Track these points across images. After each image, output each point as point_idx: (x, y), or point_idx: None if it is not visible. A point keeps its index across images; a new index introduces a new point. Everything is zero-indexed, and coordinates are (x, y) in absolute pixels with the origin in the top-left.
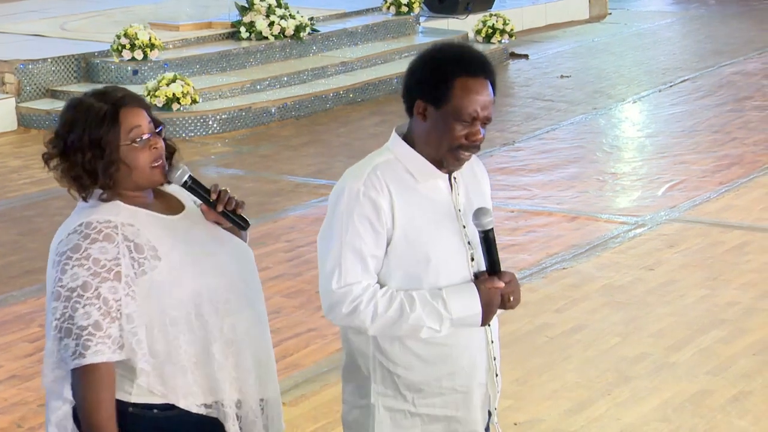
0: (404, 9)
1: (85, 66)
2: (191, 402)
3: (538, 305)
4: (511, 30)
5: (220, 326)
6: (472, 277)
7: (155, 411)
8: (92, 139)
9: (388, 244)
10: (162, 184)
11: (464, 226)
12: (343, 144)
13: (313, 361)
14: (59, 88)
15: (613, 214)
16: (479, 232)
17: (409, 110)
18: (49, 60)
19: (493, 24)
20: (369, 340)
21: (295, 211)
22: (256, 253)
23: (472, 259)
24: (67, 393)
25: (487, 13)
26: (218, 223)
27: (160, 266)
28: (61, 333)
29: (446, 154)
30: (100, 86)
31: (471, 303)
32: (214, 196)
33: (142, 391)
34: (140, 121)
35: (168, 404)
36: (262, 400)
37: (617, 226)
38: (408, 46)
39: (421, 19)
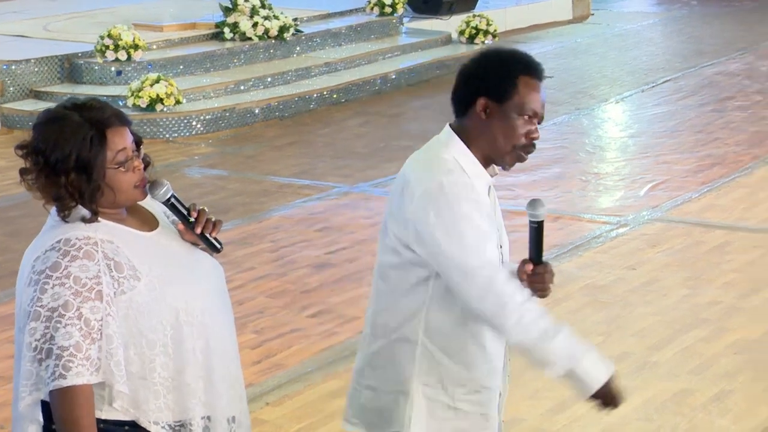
0: (388, 10)
1: (68, 67)
2: (159, 423)
3: None
4: (495, 31)
5: (193, 349)
6: None
7: (126, 428)
8: (79, 162)
9: None
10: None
11: (497, 230)
12: (327, 144)
13: (297, 361)
14: (43, 89)
15: (595, 214)
16: (532, 222)
17: (461, 111)
18: (32, 61)
19: (477, 25)
20: (419, 328)
21: (280, 212)
22: (240, 253)
23: (502, 262)
24: (39, 415)
25: (471, 14)
26: (194, 243)
27: (139, 287)
28: (41, 354)
29: (508, 153)
30: (83, 88)
31: (597, 375)
32: (194, 215)
33: (113, 409)
34: (125, 142)
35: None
36: (230, 418)
37: (600, 226)
38: (391, 47)
39: (405, 19)
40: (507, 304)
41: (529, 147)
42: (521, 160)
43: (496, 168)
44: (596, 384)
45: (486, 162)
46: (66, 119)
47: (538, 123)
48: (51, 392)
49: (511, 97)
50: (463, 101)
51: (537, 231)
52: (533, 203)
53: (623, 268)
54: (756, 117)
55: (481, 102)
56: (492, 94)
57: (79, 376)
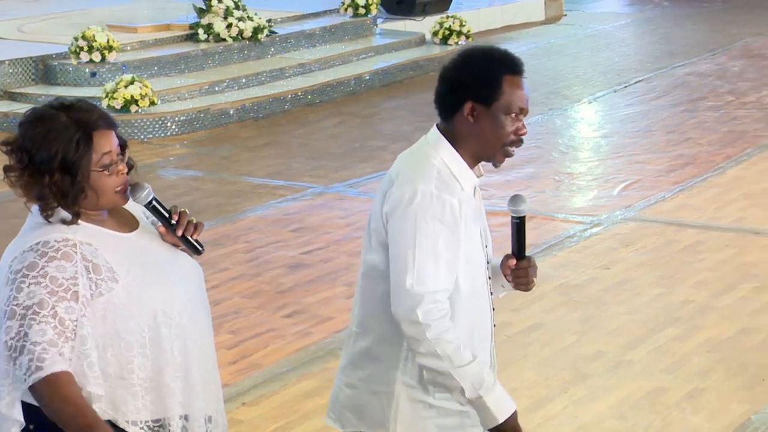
0: (362, 11)
1: (43, 68)
2: (138, 424)
3: (496, 304)
4: (468, 31)
5: (171, 349)
6: (488, 278)
7: None
8: (64, 164)
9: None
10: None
11: (482, 232)
12: (302, 145)
13: (273, 361)
14: (17, 90)
15: (569, 214)
16: (514, 218)
17: (446, 114)
18: (6, 62)
19: (450, 25)
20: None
21: (255, 212)
22: (215, 253)
23: (488, 261)
24: (19, 415)
25: (444, 15)
26: (174, 245)
27: (117, 288)
28: (15, 352)
29: (496, 151)
30: (58, 89)
31: (505, 406)
32: (175, 218)
33: (91, 405)
34: (110, 146)
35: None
36: (207, 418)
37: (573, 226)
38: (365, 48)
39: (379, 20)
40: (426, 330)
41: (517, 142)
42: (510, 155)
43: (482, 168)
44: (502, 415)
45: (474, 162)
46: (53, 119)
47: (524, 117)
48: (32, 387)
49: (498, 98)
50: (448, 105)
51: (519, 227)
52: (515, 199)
53: (597, 267)
54: (727, 117)
55: (467, 106)
56: (478, 97)
57: (55, 364)
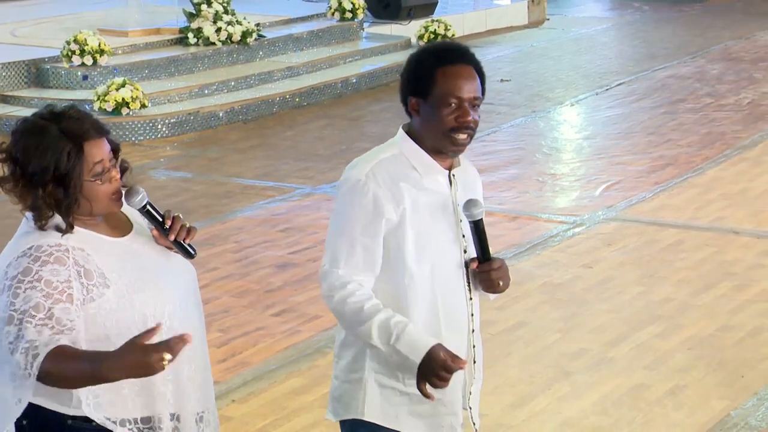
0: (348, 15)
1: (35, 71)
2: (126, 426)
3: (481, 302)
4: (453, 35)
5: None
6: (464, 268)
7: (94, 424)
8: (56, 175)
9: (390, 233)
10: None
11: (461, 220)
12: (290, 147)
13: (262, 359)
14: (10, 94)
15: (552, 214)
16: (469, 222)
17: (406, 112)
18: None
19: (435, 29)
20: None
21: (243, 213)
22: (204, 254)
23: (465, 251)
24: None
25: (429, 19)
26: (167, 248)
27: (108, 294)
28: (15, 354)
29: (443, 141)
30: (50, 92)
31: (420, 346)
32: (168, 222)
33: (81, 405)
34: (102, 154)
35: None
36: (198, 418)
37: (556, 226)
38: (352, 51)
39: (365, 24)
40: (329, 301)
41: (460, 128)
42: (457, 144)
43: (463, 160)
44: (418, 356)
45: (435, 154)
46: (44, 132)
47: (474, 106)
48: (39, 376)
49: (432, 91)
50: (402, 102)
51: (476, 230)
52: (467, 204)
53: (580, 266)
54: (707, 119)
55: (411, 101)
56: (417, 92)
57: (49, 344)
